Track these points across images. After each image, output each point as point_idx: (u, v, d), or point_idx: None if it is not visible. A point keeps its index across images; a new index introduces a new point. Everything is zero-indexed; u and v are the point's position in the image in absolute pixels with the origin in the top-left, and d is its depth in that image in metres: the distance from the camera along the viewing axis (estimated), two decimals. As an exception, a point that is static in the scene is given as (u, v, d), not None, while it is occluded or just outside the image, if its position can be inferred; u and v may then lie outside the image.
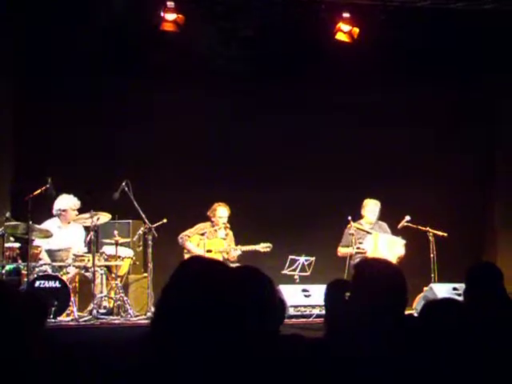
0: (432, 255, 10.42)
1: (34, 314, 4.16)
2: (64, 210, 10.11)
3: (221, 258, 10.53)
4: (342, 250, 10.58)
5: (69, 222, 10.19)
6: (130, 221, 10.69)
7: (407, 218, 10.50)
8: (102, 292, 9.68)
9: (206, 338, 2.62)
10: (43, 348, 2.87)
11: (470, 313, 3.39)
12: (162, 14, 10.83)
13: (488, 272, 4.73)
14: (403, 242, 10.45)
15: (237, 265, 10.48)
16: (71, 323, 9.00)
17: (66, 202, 10.10)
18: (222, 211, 10.61)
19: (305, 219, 11.68)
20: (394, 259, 10.36)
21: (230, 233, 10.80)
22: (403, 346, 3.08)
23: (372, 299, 3.16)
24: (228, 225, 10.67)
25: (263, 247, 10.50)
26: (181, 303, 2.68)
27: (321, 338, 3.95)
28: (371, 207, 10.73)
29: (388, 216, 10.81)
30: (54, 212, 10.17)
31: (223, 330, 2.65)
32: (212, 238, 10.63)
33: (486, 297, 4.40)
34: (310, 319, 9.42)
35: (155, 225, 9.98)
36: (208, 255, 10.38)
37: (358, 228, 10.44)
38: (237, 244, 10.74)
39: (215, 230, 10.65)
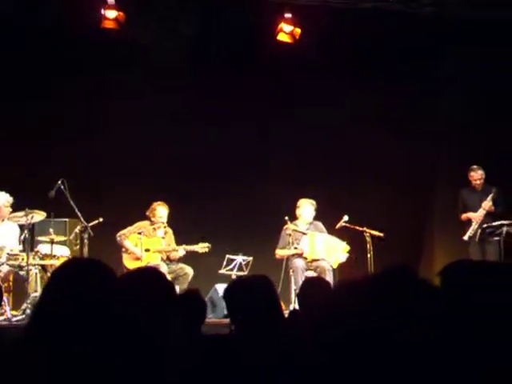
0: (369, 255, 10.43)
1: None
2: (-4, 208, 9.95)
3: (159, 258, 10.50)
4: (279, 253, 10.54)
5: (3, 220, 10.02)
6: (67, 219, 10.52)
7: (345, 217, 10.43)
8: (36, 291, 9.52)
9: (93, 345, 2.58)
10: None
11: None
12: (102, 12, 10.74)
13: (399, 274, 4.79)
14: (347, 247, 10.39)
15: (179, 264, 10.51)
16: (4, 322, 8.91)
17: None
18: (161, 210, 10.59)
19: (243, 219, 11.65)
20: (333, 262, 10.36)
21: (170, 231, 10.76)
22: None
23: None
24: (166, 224, 10.63)
25: (201, 247, 10.46)
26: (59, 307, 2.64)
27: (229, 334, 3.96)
28: (306, 207, 10.72)
29: (327, 216, 10.83)
30: (-14, 210, 10.00)
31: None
32: (150, 237, 10.58)
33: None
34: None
35: (91, 224, 9.91)
36: (146, 254, 10.34)
37: (294, 229, 10.46)
38: (177, 243, 10.70)
39: (154, 229, 10.60)
